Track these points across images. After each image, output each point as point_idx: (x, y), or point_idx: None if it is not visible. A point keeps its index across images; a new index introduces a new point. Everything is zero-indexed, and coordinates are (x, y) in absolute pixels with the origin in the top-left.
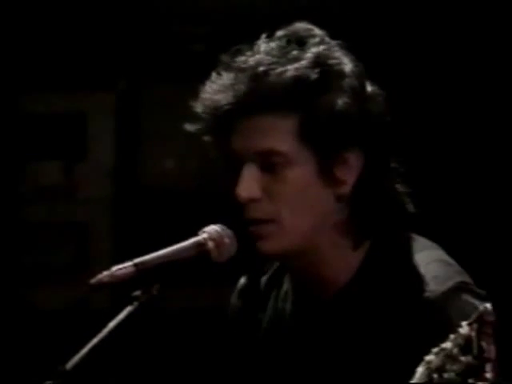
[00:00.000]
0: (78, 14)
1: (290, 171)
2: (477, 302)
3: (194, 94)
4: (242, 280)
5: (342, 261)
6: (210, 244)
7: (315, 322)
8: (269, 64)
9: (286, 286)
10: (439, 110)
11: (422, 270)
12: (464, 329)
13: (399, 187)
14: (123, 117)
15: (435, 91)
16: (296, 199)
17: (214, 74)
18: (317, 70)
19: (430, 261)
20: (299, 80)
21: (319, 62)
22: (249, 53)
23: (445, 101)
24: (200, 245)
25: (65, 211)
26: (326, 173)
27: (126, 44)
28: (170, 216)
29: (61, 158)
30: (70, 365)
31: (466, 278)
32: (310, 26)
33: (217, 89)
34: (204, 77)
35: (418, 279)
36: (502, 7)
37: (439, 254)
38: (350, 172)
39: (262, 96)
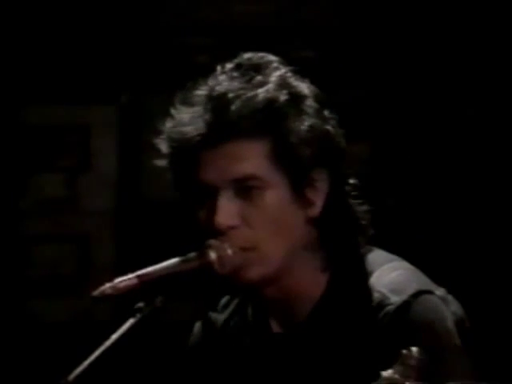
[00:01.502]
0: (81, 28)
1: (266, 195)
2: (438, 302)
3: None
4: (196, 328)
5: (312, 282)
6: (213, 256)
7: (289, 345)
8: (237, 90)
9: (251, 317)
10: (439, 115)
11: (383, 284)
12: (387, 372)
13: (360, 205)
14: (126, 129)
15: (433, 97)
16: (273, 223)
17: (173, 110)
18: (285, 92)
19: (389, 273)
20: (270, 103)
21: (283, 84)
22: (211, 83)
23: (444, 106)
24: (203, 256)
25: (67, 223)
26: (299, 195)
27: (129, 57)
28: (172, 228)
29: (63, 171)
30: (72, 377)
31: (423, 282)
32: (262, 54)
33: (184, 121)
34: None
35: (379, 294)
36: (502, 7)
37: (399, 264)
38: (318, 194)
39: (233, 122)
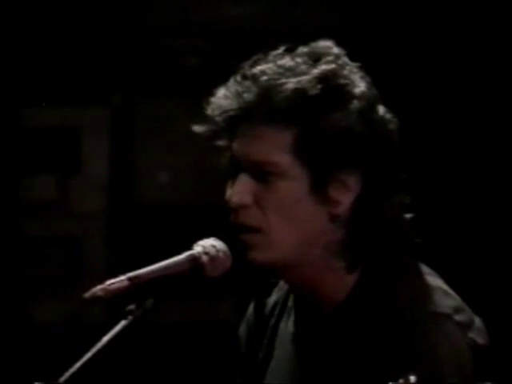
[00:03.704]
0: (73, 30)
1: (282, 183)
2: (452, 329)
3: (188, 107)
4: (250, 308)
5: (336, 280)
6: (204, 258)
7: (312, 338)
8: (272, 74)
9: (290, 303)
10: (437, 116)
11: (409, 296)
12: None
13: (402, 214)
14: (118, 131)
15: (430, 98)
16: (285, 211)
17: (230, 80)
18: (319, 86)
19: (421, 287)
20: (298, 93)
21: (325, 79)
22: (260, 62)
23: (442, 108)
24: (194, 259)
25: (59, 225)
26: (319, 191)
27: (121, 59)
28: (164, 230)
29: (55, 173)
30: (63, 379)
31: (446, 304)
32: (329, 44)
33: (225, 95)
34: (199, 90)
35: (401, 306)
36: (502, 7)
37: (433, 280)
38: (345, 193)
39: (261, 106)
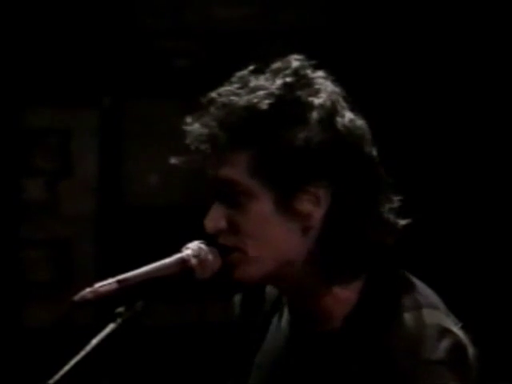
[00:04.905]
0: (62, 32)
1: (251, 205)
2: (446, 380)
3: (178, 109)
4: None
5: (328, 296)
6: (194, 261)
7: (305, 353)
8: (228, 96)
9: (285, 301)
10: (431, 118)
11: (403, 339)
12: None
13: (385, 222)
14: (107, 133)
15: (424, 99)
16: (257, 231)
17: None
18: (268, 101)
19: (417, 327)
20: (249, 112)
21: (278, 93)
22: (227, 85)
23: (437, 109)
24: (183, 261)
25: (48, 228)
26: (286, 207)
27: (111, 61)
28: (154, 232)
29: (44, 175)
30: (52, 381)
31: (444, 348)
32: (289, 58)
33: (196, 124)
34: (189, 92)
35: (394, 350)
36: (502, 7)
37: (430, 316)
38: (316, 205)
39: (220, 130)
